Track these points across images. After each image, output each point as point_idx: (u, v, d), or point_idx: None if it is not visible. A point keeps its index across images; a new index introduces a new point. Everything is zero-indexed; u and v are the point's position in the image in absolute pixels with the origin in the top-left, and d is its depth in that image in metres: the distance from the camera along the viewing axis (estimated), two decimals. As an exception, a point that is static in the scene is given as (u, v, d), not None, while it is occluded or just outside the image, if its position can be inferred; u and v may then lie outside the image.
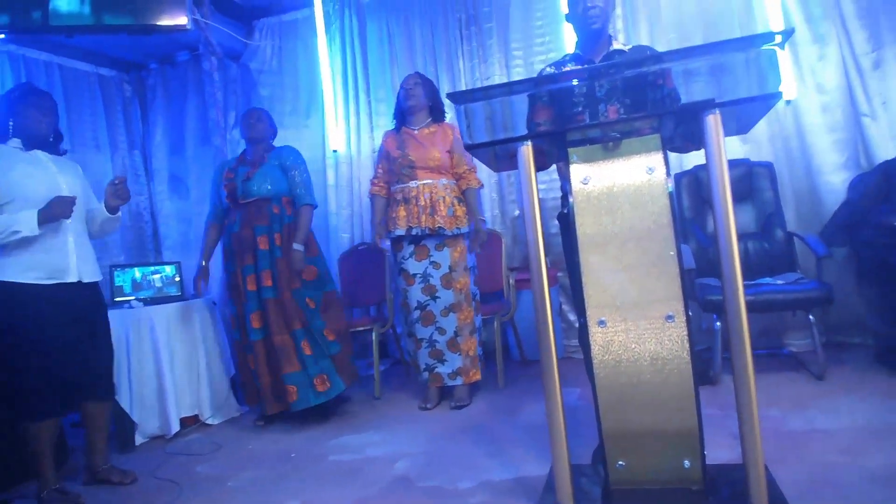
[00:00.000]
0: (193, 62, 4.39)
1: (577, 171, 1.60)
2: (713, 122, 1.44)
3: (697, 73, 1.50)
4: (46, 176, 2.19)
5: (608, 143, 1.58)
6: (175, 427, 2.83)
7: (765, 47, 1.39)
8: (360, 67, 4.12)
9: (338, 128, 4.11)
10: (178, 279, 3.38)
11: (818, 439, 1.98)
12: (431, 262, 2.84)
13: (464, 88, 3.82)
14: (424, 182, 2.82)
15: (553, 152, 1.74)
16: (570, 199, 1.59)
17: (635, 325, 1.53)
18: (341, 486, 2.06)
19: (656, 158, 1.56)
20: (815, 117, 3.05)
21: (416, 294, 2.87)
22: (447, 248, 2.83)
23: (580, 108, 1.55)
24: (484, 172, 3.65)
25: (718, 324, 2.63)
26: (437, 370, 2.87)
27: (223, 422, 3.05)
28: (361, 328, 3.30)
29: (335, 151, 4.10)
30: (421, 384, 2.96)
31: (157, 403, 2.85)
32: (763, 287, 2.59)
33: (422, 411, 2.85)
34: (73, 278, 2.19)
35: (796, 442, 1.98)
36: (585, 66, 1.89)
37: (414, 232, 2.81)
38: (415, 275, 2.87)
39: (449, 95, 1.52)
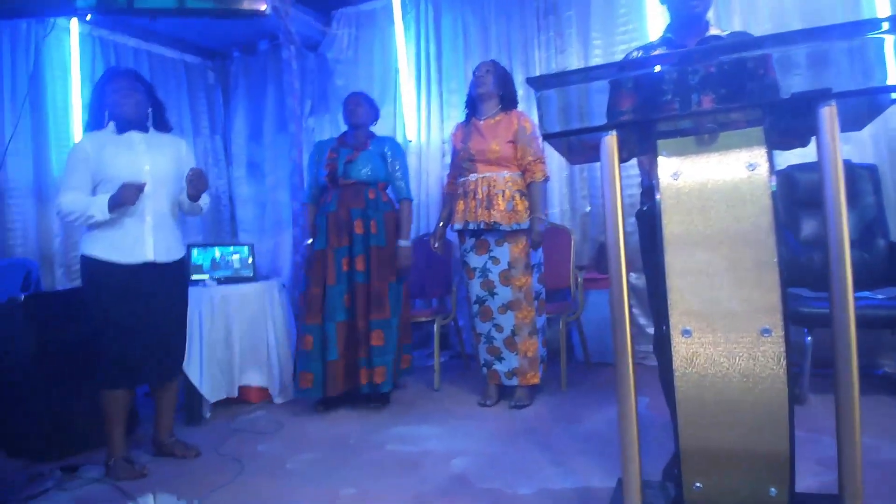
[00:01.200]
0: (273, 51, 4.50)
1: (667, 165, 1.48)
2: (828, 114, 1.28)
3: (802, 61, 1.34)
4: (132, 157, 2.24)
5: (704, 135, 1.45)
6: (242, 403, 2.90)
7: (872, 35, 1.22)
8: (433, 58, 4.09)
9: (412, 118, 4.10)
10: (251, 261, 3.46)
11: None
12: (491, 258, 2.77)
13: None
14: (483, 175, 2.74)
15: (635, 144, 1.61)
16: (657, 196, 1.47)
17: (725, 336, 1.40)
18: (398, 479, 2.03)
19: (759, 154, 1.41)
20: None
21: (475, 288, 2.81)
22: (507, 243, 2.74)
23: (669, 97, 1.42)
24: (554, 165, 3.55)
25: (809, 338, 2.42)
26: (494, 367, 2.80)
27: (287, 402, 3.10)
28: (423, 319, 3.27)
29: (409, 141, 4.08)
30: (481, 379, 2.89)
31: (225, 375, 2.93)
32: (862, 301, 2.36)
33: (481, 408, 2.78)
34: (147, 258, 2.24)
35: (892, 474, 1.78)
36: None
37: (471, 226, 2.74)
38: (475, 269, 2.80)
39: (528, 80, 1.43)
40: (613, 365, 3.51)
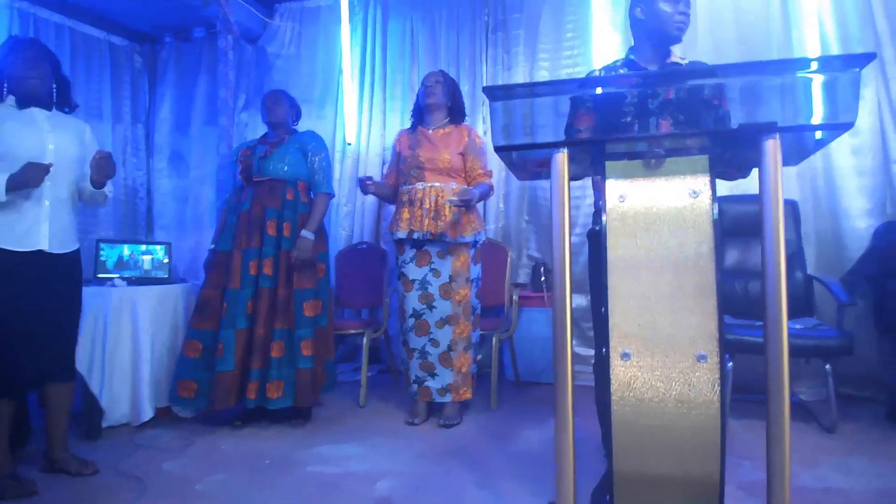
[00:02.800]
0: (209, 40, 4.28)
1: (614, 188, 1.46)
2: (772, 147, 1.31)
3: (755, 93, 1.37)
4: (35, 135, 2.03)
5: (650, 159, 1.45)
6: (146, 415, 2.66)
7: (820, 73, 1.27)
8: (378, 62, 4.01)
9: (352, 121, 3.99)
10: (167, 261, 3.22)
11: (832, 500, 1.83)
12: (432, 270, 2.70)
13: (481, 93, 3.71)
14: (432, 184, 2.68)
15: (589, 164, 1.60)
16: (604, 217, 1.45)
17: (663, 361, 1.39)
18: (318, 502, 1.90)
19: (703, 181, 1.42)
20: (845, 159, 2.94)
21: (412, 301, 2.72)
22: (450, 256, 2.69)
23: (629, 119, 1.41)
24: (494, 182, 3.53)
25: (731, 364, 2.49)
26: (426, 384, 2.71)
27: (196, 416, 2.87)
28: (352, 331, 3.15)
29: (349, 144, 3.97)
30: (410, 396, 2.80)
31: (130, 389, 2.67)
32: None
33: (408, 426, 2.69)
34: (41, 247, 2.03)
35: (809, 500, 1.84)
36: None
37: (415, 236, 2.67)
38: (413, 280, 2.72)
39: (485, 89, 1.38)
40: (542, 385, 3.52)
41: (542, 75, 3.57)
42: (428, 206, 2.65)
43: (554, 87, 1.44)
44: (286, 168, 2.71)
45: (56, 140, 2.08)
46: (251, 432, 2.63)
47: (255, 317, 2.60)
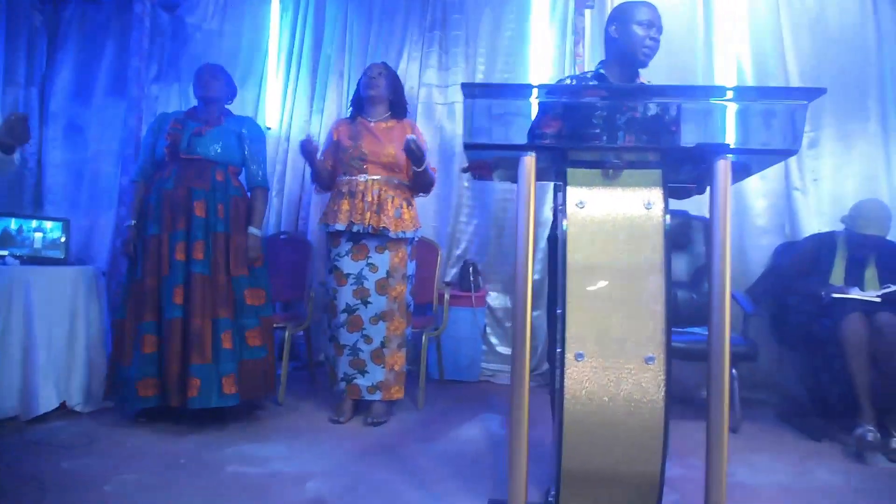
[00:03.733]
0: (119, 5, 3.91)
1: (573, 194, 1.51)
2: (723, 167, 1.41)
3: (709, 115, 1.48)
4: None
5: (609, 170, 1.51)
6: (38, 410, 2.39)
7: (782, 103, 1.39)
8: (307, 47, 3.87)
9: (275, 105, 3.81)
10: (63, 240, 2.91)
11: (745, 494, 2.00)
12: (369, 264, 2.64)
13: (416, 91, 3.69)
14: (374, 178, 2.63)
15: (550, 170, 1.63)
16: (564, 222, 1.49)
17: (614, 362, 1.45)
18: (245, 504, 1.80)
19: (656, 194, 1.50)
20: (752, 182, 3.23)
21: (346, 296, 2.64)
22: (388, 251, 2.64)
23: (597, 131, 1.46)
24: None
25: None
26: (355, 381, 2.65)
27: (95, 411, 2.62)
28: (275, 325, 3.00)
29: (268, 129, 3.79)
30: (336, 394, 2.72)
31: (21, 380, 2.39)
32: (694, 336, 2.65)
33: (333, 424, 2.61)
34: None
35: (741, 497, 1.97)
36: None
37: (355, 229, 2.60)
38: (348, 275, 2.65)
39: (463, 86, 1.37)
40: (466, 383, 3.56)
41: (479, 79, 3.61)
42: (370, 199, 2.59)
43: (531, 90, 1.45)
44: (219, 150, 2.55)
45: None
46: (158, 429, 2.43)
47: (190, 306, 2.40)
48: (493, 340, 3.59)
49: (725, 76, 3.27)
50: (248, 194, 2.69)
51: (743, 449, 2.45)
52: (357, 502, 1.84)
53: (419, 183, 2.71)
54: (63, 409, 2.52)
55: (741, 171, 1.58)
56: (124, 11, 3.82)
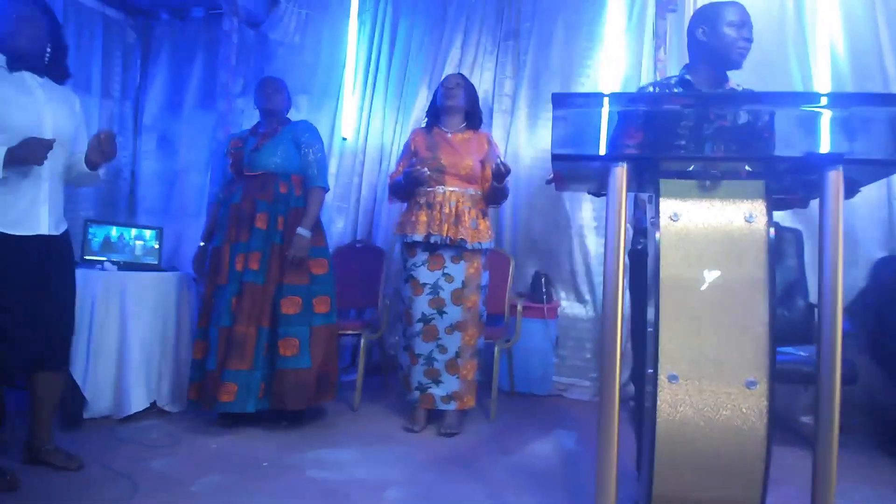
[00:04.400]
0: (206, 21, 4.13)
1: (667, 206, 1.44)
2: (835, 178, 1.31)
3: (806, 122, 1.37)
4: (31, 105, 1.86)
5: (706, 181, 1.43)
6: (131, 409, 2.52)
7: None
8: (384, 59, 3.93)
9: (351, 117, 3.90)
10: (157, 247, 3.07)
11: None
12: (445, 275, 2.64)
13: (488, 101, 3.67)
14: (452, 189, 2.63)
15: (635, 181, 1.57)
16: (656, 235, 1.42)
17: (712, 385, 1.36)
18: (325, 511, 1.82)
19: (759, 206, 1.41)
20: (848, 192, 3.00)
21: (421, 305, 2.65)
22: (464, 261, 2.63)
23: (683, 142, 1.39)
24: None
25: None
26: (430, 391, 2.64)
27: (183, 411, 2.75)
28: (351, 332, 3.06)
29: (345, 139, 3.87)
30: (409, 403, 2.73)
31: (114, 381, 2.54)
32: (787, 356, 2.48)
33: (407, 432, 2.62)
34: (41, 230, 1.89)
35: None
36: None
37: (433, 240, 2.60)
38: (424, 284, 2.65)
39: (554, 96, 1.34)
40: (537, 396, 3.48)
41: (554, 87, 3.55)
42: (448, 210, 2.59)
43: (625, 99, 1.40)
44: (278, 161, 2.60)
45: (53, 112, 1.92)
46: (239, 432, 2.51)
47: (237, 314, 2.48)
48: (563, 353, 3.51)
49: (819, 77, 3.06)
50: None
51: (840, 479, 2.26)
52: (434, 515, 1.83)
53: (495, 196, 2.69)
54: (153, 409, 2.66)
55: (848, 185, 1.45)
56: (211, 27, 4.03)
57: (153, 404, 2.66)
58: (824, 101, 1.36)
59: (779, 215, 2.98)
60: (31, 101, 1.87)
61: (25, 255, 1.85)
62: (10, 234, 1.82)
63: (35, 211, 1.87)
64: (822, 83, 3.03)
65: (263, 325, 2.50)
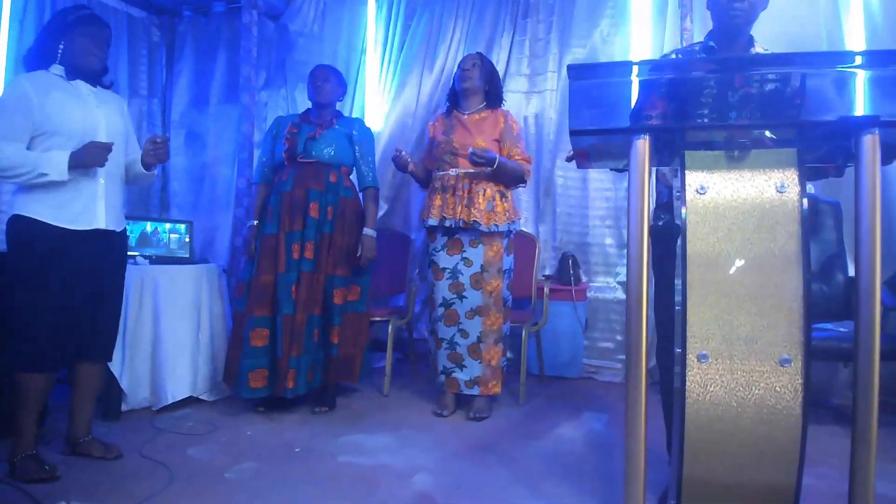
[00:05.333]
0: (228, 15, 4.16)
1: (693, 179, 1.38)
2: (871, 143, 1.24)
3: (840, 85, 1.29)
4: (85, 110, 1.96)
5: (734, 151, 1.37)
6: (166, 400, 2.59)
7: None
8: (398, 44, 3.89)
9: (373, 102, 3.88)
10: (188, 240, 3.13)
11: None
12: (463, 259, 2.62)
13: (507, 80, 3.60)
14: (466, 171, 2.60)
15: (656, 152, 1.51)
16: (683, 210, 1.37)
17: (743, 364, 1.32)
18: (356, 496, 1.83)
19: (790, 175, 1.34)
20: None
21: (442, 290, 2.64)
22: (482, 245, 2.60)
23: (706, 111, 1.32)
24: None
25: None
26: (454, 375, 2.64)
27: (217, 400, 2.81)
28: (379, 318, 3.07)
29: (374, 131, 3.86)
30: (437, 387, 2.73)
31: (150, 372, 2.60)
32: (825, 333, 2.39)
33: (436, 417, 2.62)
34: (98, 225, 1.97)
35: None
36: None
37: (447, 223, 2.58)
38: (444, 269, 2.64)
39: (569, 67, 1.30)
40: (567, 379, 3.44)
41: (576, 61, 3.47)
42: (461, 193, 2.56)
43: (644, 67, 1.34)
44: (333, 153, 2.64)
45: (105, 116, 2.02)
46: (274, 418, 2.57)
47: (297, 302, 2.54)
48: (595, 335, 3.45)
49: (852, 32, 2.90)
50: (360, 195, 2.78)
51: (882, 458, 2.16)
52: (464, 497, 1.83)
53: (501, 179, 2.62)
54: (189, 398, 2.72)
55: (885, 151, 1.37)
56: (233, 21, 4.06)
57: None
58: (859, 60, 1.28)
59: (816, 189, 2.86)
60: (86, 106, 1.97)
61: (83, 249, 1.95)
62: (69, 229, 1.91)
63: (92, 207, 1.96)
64: (856, 40, 2.88)
65: (315, 312, 2.57)
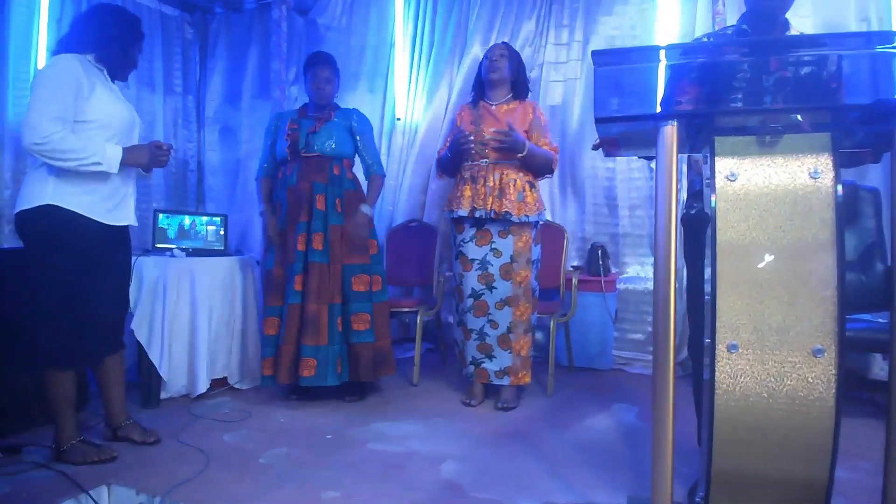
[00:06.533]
0: (259, 11, 4.20)
1: (724, 165, 1.35)
2: (911, 125, 1.19)
3: (880, 67, 1.25)
4: (127, 107, 2.02)
5: (765, 136, 1.34)
6: (202, 388, 2.67)
7: None
8: (427, 35, 3.88)
9: (402, 95, 3.89)
10: (223, 233, 3.21)
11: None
12: (492, 249, 2.62)
13: (534, 69, 3.57)
14: (496, 162, 2.59)
15: (687, 140, 1.49)
16: (713, 198, 1.35)
17: (775, 354, 1.29)
18: (384, 483, 1.86)
19: (824, 161, 1.30)
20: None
21: (471, 281, 2.65)
22: (511, 235, 2.60)
23: (740, 96, 1.29)
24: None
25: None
26: (483, 365, 2.65)
27: (251, 388, 2.89)
28: (406, 309, 3.10)
29: (398, 119, 3.88)
30: (465, 378, 2.75)
31: (187, 360, 2.68)
32: (864, 324, 2.32)
33: (464, 407, 2.64)
34: (129, 221, 2.05)
35: None
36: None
37: (478, 214, 2.58)
38: (473, 260, 2.65)
39: (594, 53, 1.28)
40: (596, 371, 3.41)
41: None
42: (492, 183, 2.56)
43: (671, 51, 1.31)
44: (334, 146, 2.67)
45: (137, 115, 2.09)
46: (306, 406, 2.63)
47: (307, 293, 2.58)
48: (626, 327, 3.42)
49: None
50: (363, 185, 2.81)
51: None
52: (490, 485, 1.84)
53: (531, 168, 2.61)
54: (225, 386, 2.80)
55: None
56: (264, 17, 4.11)
57: (225, 381, 2.81)
58: (890, 40, 1.23)
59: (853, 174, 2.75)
60: (124, 106, 2.03)
61: (111, 243, 2.00)
62: (108, 224, 1.96)
63: (125, 204, 2.03)
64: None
65: (335, 301, 2.61)
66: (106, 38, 1.95)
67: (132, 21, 2.05)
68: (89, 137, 1.86)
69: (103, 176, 1.90)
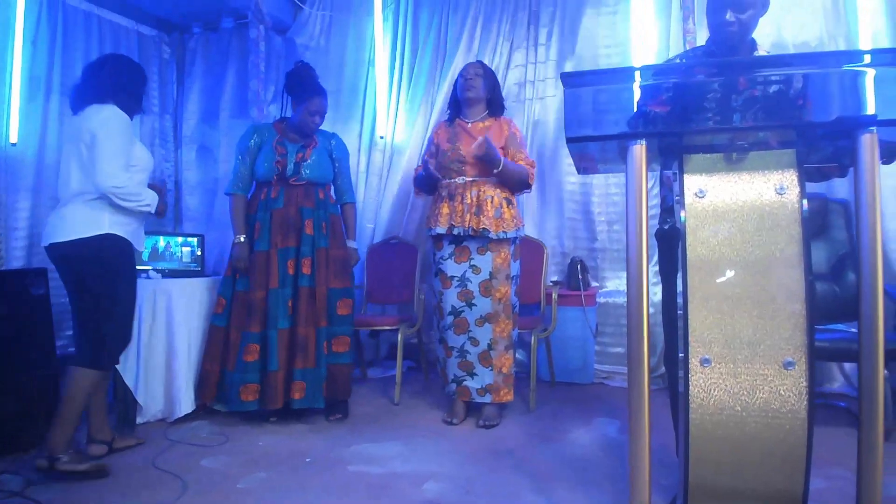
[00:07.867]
0: (237, 30, 4.21)
1: (692, 182, 1.39)
2: (869, 142, 1.23)
3: (843, 87, 1.29)
4: (146, 147, 2.35)
5: (732, 153, 1.37)
6: (180, 412, 2.62)
7: None
8: (407, 54, 3.92)
9: (383, 113, 3.91)
10: (199, 253, 3.18)
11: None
12: (471, 266, 2.63)
13: (509, 87, 3.61)
14: (473, 179, 2.61)
15: (658, 157, 1.52)
16: (682, 214, 1.38)
17: (747, 367, 1.32)
18: (365, 504, 1.85)
19: (789, 177, 1.34)
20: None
21: (451, 298, 2.65)
22: (490, 252, 2.61)
23: (710, 115, 1.32)
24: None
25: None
26: (465, 383, 2.65)
27: (230, 411, 2.83)
28: (387, 327, 3.09)
29: (381, 138, 3.90)
30: (447, 396, 2.74)
31: (164, 385, 2.64)
32: (838, 333, 2.37)
33: (446, 425, 2.63)
34: (142, 248, 2.35)
35: None
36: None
37: (455, 231, 2.59)
38: (452, 277, 2.65)
39: (563, 75, 1.31)
40: (577, 385, 3.42)
41: (580, 67, 3.48)
42: (469, 200, 2.57)
43: (633, 73, 1.35)
44: (319, 172, 2.73)
45: None
46: (287, 428, 2.59)
47: (296, 316, 2.59)
48: (605, 341, 3.44)
49: (860, 36, 2.88)
50: (338, 208, 2.86)
51: (889, 459, 2.14)
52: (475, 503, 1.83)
53: (507, 183, 2.63)
54: (203, 409, 2.75)
55: (886, 152, 1.37)
56: (242, 37, 4.11)
57: (203, 405, 2.76)
58: (867, 59, 1.27)
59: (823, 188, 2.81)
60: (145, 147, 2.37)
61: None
62: (136, 249, 2.28)
63: (142, 233, 2.32)
64: (864, 40, 2.85)
65: (321, 325, 2.63)
66: (123, 89, 2.20)
67: (140, 70, 2.32)
68: (141, 182, 2.21)
69: (138, 211, 2.21)
